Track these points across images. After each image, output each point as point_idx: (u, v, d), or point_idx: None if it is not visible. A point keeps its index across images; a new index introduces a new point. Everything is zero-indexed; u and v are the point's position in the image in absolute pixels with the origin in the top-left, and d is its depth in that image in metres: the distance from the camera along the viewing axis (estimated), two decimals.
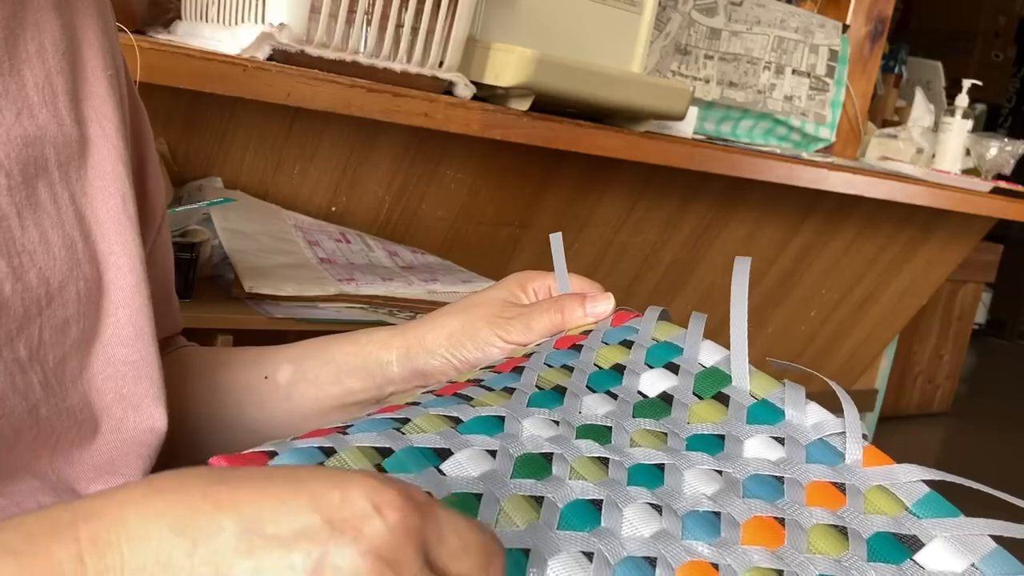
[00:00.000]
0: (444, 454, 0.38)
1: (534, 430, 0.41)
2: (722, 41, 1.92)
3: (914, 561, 0.36)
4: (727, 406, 0.44)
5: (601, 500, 0.37)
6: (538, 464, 0.39)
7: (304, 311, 1.16)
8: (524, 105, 1.28)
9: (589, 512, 0.37)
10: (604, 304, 0.51)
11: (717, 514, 0.38)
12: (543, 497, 0.37)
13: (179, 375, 0.57)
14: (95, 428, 0.46)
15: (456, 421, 0.41)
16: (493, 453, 0.39)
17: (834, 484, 0.39)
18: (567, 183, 1.68)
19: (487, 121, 1.24)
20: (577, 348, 0.49)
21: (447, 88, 1.21)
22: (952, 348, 3.18)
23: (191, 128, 1.31)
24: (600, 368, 0.47)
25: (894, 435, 2.82)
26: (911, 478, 0.39)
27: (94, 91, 0.47)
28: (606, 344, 0.49)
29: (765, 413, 0.43)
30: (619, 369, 0.46)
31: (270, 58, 1.06)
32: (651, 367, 0.46)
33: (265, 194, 1.40)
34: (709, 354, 0.47)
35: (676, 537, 0.36)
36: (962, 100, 2.18)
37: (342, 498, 0.27)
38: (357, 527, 0.27)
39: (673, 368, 0.46)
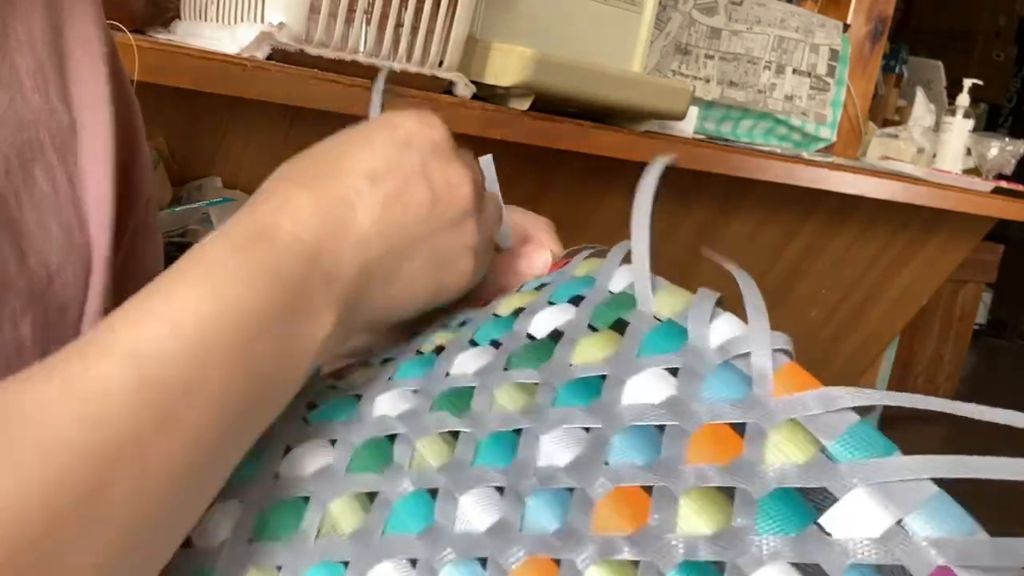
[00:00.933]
0: (284, 452, 0.36)
1: (385, 408, 0.37)
2: (722, 40, 1.92)
3: (818, 525, 0.27)
4: (624, 335, 0.36)
5: (437, 489, 0.33)
6: (379, 451, 0.35)
7: None
8: (524, 105, 1.28)
9: (424, 506, 0.33)
10: (541, 260, 0.47)
11: (571, 490, 0.31)
12: (376, 493, 0.34)
13: None
14: None
15: (311, 407, 0.38)
16: (334, 442, 0.36)
17: (732, 426, 0.31)
18: (567, 183, 1.68)
19: (487, 121, 1.24)
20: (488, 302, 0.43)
21: (447, 88, 1.21)
22: (953, 348, 3.17)
23: (191, 128, 1.31)
24: (497, 316, 0.41)
25: (895, 436, 2.80)
26: (830, 406, 0.29)
27: (83, 79, 0.47)
28: (519, 291, 0.42)
29: (665, 339, 0.35)
30: (517, 314, 0.40)
31: (269, 57, 1.06)
32: (553, 304, 0.39)
33: None
34: (620, 280, 0.39)
35: (514, 528, 0.31)
36: (963, 100, 2.17)
37: (404, 128, 0.40)
38: (425, 134, 0.40)
39: (576, 301, 0.39)
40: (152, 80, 0.97)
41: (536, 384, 0.35)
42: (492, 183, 0.49)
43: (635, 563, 0.28)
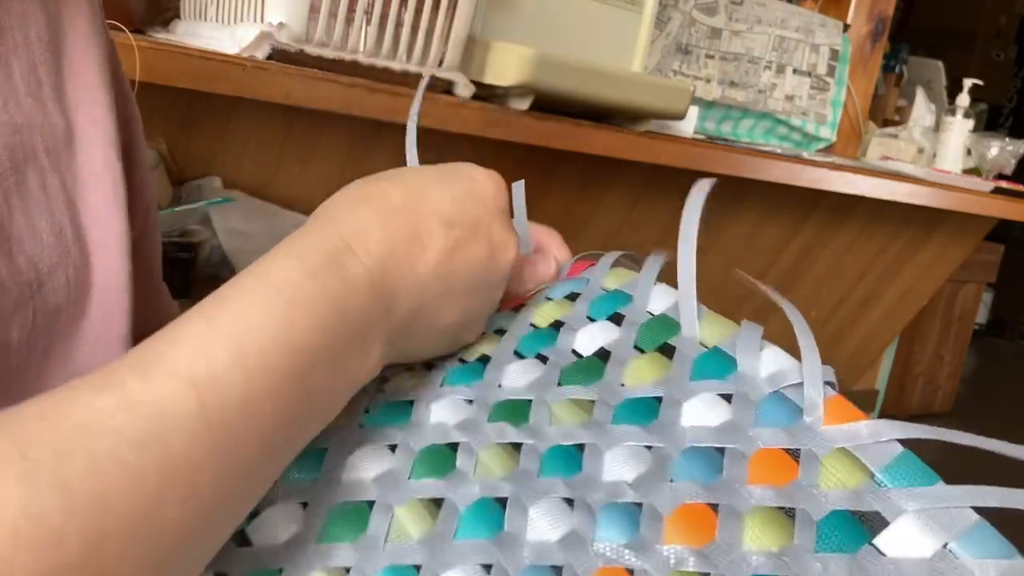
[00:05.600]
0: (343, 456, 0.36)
1: (443, 415, 0.37)
2: (723, 40, 1.92)
3: (872, 546, 0.30)
4: (672, 359, 0.37)
5: (507, 498, 0.33)
6: (442, 457, 0.35)
7: None
8: (524, 105, 1.28)
9: (493, 514, 0.33)
10: (543, 267, 0.46)
11: (639, 505, 0.32)
12: (443, 499, 0.34)
13: None
14: None
15: (364, 411, 0.38)
16: (394, 448, 0.36)
17: (787, 451, 0.33)
18: (567, 183, 1.68)
19: (487, 121, 1.24)
20: (519, 309, 0.44)
21: (447, 87, 1.21)
22: (953, 348, 3.17)
23: (190, 128, 1.31)
24: (536, 328, 0.41)
25: None
26: (880, 437, 0.32)
27: (81, 81, 0.47)
28: (550, 300, 0.43)
29: (714, 365, 0.36)
30: (557, 327, 0.41)
31: (269, 57, 1.06)
32: (593, 320, 0.40)
33: (265, 194, 1.40)
34: (659, 300, 0.40)
35: (587, 540, 0.32)
36: (963, 100, 2.17)
37: (479, 183, 0.41)
38: (494, 194, 0.41)
39: (617, 319, 0.40)
40: (152, 80, 0.97)
41: (591, 401, 0.36)
42: (520, 210, 0.50)
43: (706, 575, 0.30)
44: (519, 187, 0.50)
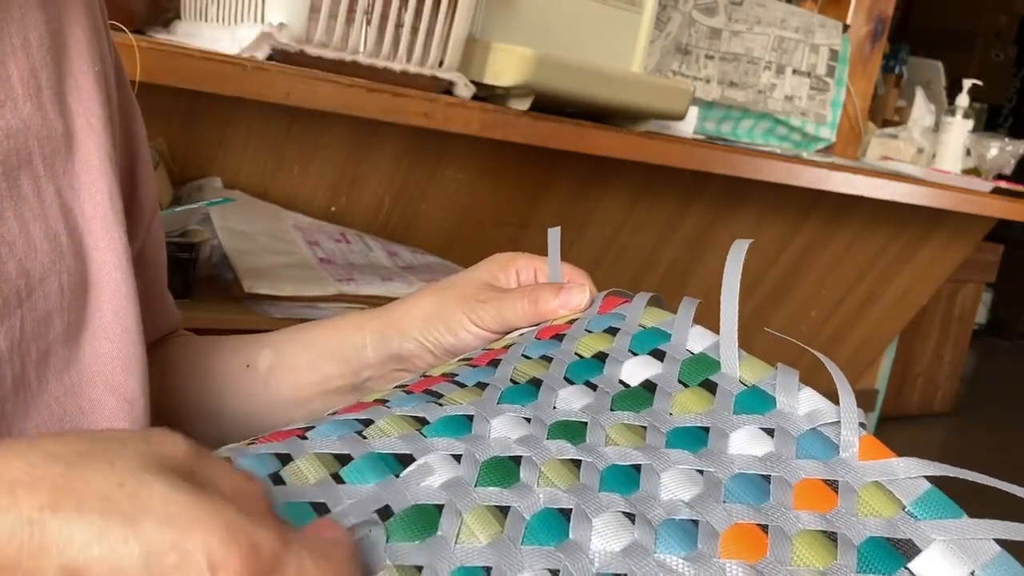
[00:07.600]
0: (406, 460, 0.37)
1: (503, 431, 0.39)
2: (722, 41, 1.92)
3: (908, 570, 0.33)
4: (714, 394, 0.40)
5: (570, 509, 0.35)
6: (506, 469, 0.37)
7: (304, 311, 1.16)
8: (524, 105, 1.28)
9: (557, 523, 0.35)
10: (578, 295, 0.49)
11: (695, 522, 0.35)
12: (509, 507, 0.35)
13: (167, 365, 0.57)
14: (79, 423, 0.46)
15: (422, 422, 0.39)
16: (459, 458, 0.37)
17: (826, 482, 0.36)
18: (567, 183, 1.68)
19: (487, 121, 1.24)
20: (559, 338, 0.46)
21: (447, 88, 1.21)
22: (953, 348, 3.17)
23: (191, 128, 1.31)
24: (581, 357, 0.44)
25: (895, 436, 2.81)
26: (911, 473, 0.36)
27: (80, 87, 0.47)
28: (590, 332, 0.46)
29: (755, 401, 0.40)
30: (601, 358, 0.44)
31: (270, 58, 1.06)
32: (635, 354, 0.44)
33: (265, 194, 1.40)
34: (698, 340, 0.44)
35: (649, 551, 0.34)
36: (962, 100, 2.17)
37: (178, 559, 0.25)
38: None
39: (659, 355, 0.43)
40: (152, 80, 0.97)
41: (643, 427, 0.39)
42: (554, 255, 0.52)
43: None
44: (555, 233, 0.53)
